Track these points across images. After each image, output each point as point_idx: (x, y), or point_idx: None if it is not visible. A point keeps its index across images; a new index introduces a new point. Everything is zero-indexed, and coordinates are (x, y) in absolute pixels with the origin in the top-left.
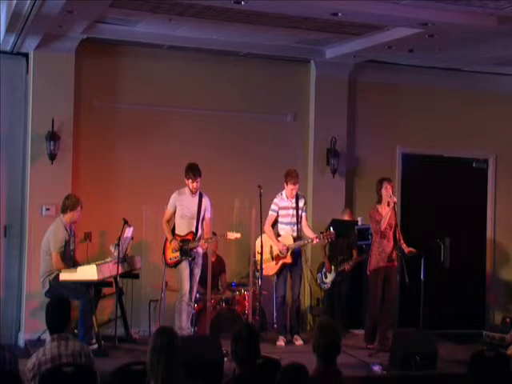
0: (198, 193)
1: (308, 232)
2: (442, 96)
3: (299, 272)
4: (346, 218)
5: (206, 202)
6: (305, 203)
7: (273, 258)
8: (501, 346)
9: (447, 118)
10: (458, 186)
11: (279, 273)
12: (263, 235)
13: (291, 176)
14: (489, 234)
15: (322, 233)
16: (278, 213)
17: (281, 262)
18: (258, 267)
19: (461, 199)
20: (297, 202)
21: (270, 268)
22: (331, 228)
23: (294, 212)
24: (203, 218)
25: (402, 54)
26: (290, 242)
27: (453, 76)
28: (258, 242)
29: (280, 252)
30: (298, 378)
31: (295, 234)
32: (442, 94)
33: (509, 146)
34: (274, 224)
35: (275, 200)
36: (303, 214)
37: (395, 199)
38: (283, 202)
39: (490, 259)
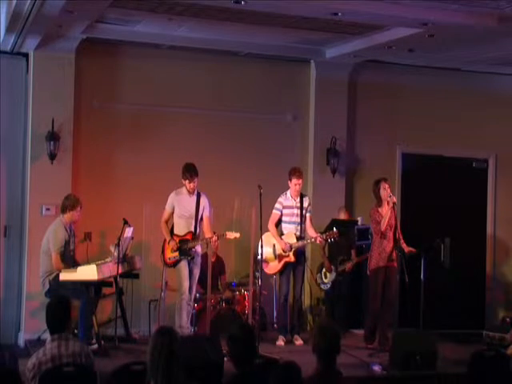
0: (195, 192)
1: (311, 232)
2: (441, 96)
3: (302, 271)
4: (342, 216)
5: (204, 201)
6: (309, 204)
7: (276, 257)
8: (501, 346)
9: (447, 117)
10: (458, 185)
11: (282, 272)
12: (266, 234)
13: (294, 171)
14: (489, 233)
15: (325, 232)
16: (281, 212)
17: (284, 261)
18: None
19: (461, 199)
20: (301, 202)
21: (273, 267)
22: (334, 228)
23: (298, 211)
24: (202, 218)
25: (402, 54)
26: (292, 240)
27: (453, 76)
28: (264, 240)
29: (283, 250)
30: (291, 378)
31: (298, 234)
32: (442, 94)
33: (509, 146)
34: (278, 223)
35: (280, 199)
36: (308, 215)
37: (395, 199)
38: (287, 202)
39: (490, 259)
